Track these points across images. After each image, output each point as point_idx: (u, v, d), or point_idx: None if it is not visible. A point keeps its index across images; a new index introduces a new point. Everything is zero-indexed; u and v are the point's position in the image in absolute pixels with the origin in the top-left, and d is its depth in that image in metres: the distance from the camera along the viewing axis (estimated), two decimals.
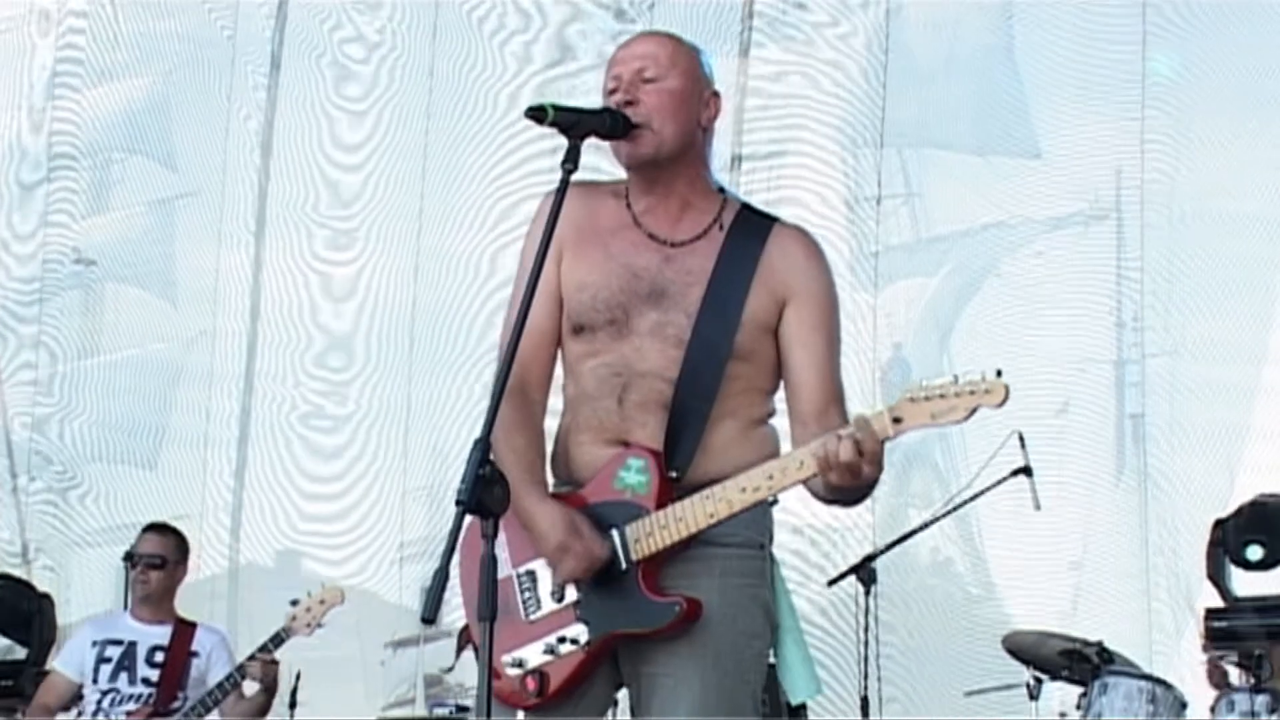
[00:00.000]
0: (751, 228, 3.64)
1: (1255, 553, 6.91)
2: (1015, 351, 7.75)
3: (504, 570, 3.44)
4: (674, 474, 3.50)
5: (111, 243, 10.33)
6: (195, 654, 6.70)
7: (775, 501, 3.63)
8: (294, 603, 6.43)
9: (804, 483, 3.45)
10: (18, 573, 9.65)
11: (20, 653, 8.20)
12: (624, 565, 3.49)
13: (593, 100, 3.69)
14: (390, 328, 9.63)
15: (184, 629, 6.76)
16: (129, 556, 6.86)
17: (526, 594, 3.56)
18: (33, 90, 10.49)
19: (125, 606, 6.88)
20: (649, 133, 3.57)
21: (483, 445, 3.14)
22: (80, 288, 10.31)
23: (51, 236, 10.34)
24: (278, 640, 6.40)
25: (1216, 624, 6.88)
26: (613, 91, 3.60)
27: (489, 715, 3.09)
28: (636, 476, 3.51)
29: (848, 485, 3.35)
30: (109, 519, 9.87)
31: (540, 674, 3.53)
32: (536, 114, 3.43)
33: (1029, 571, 7.97)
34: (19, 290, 10.34)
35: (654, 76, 3.59)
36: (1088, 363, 8.12)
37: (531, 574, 3.57)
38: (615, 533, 3.49)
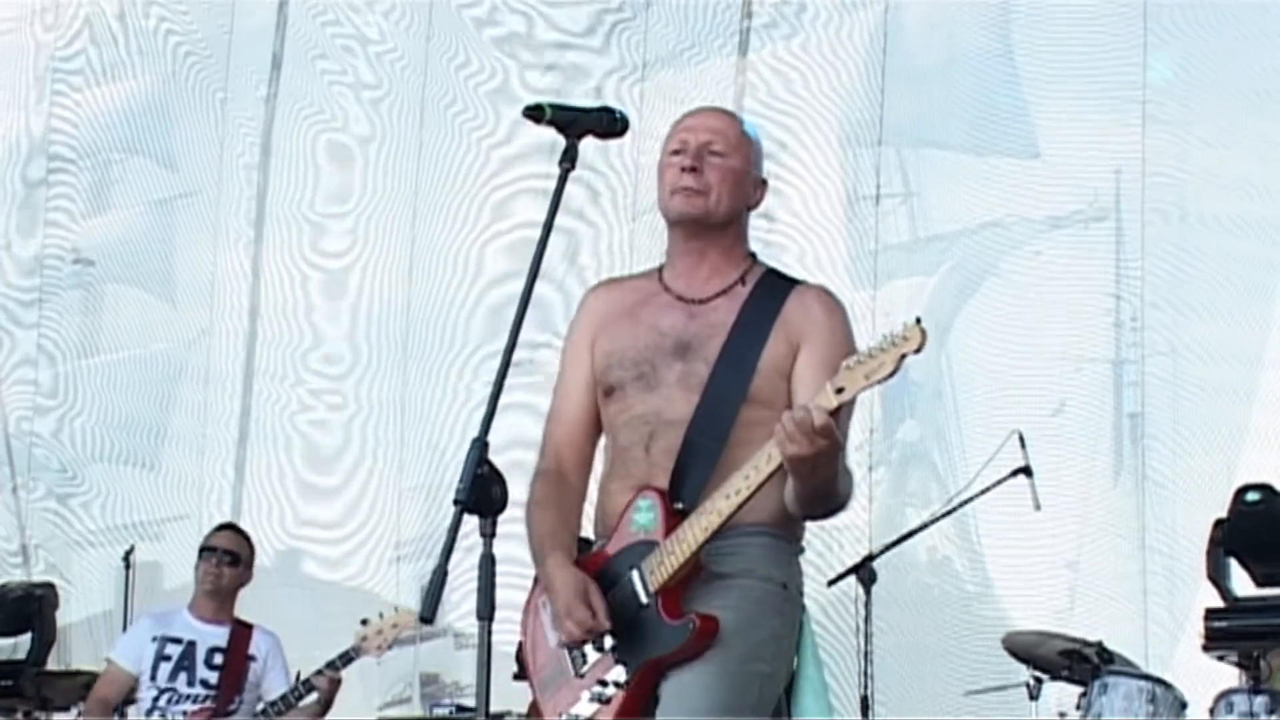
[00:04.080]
0: (775, 286, 3.78)
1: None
2: (1013, 351, 7.73)
3: (554, 639, 3.64)
4: (679, 505, 3.60)
5: (111, 243, 10.33)
6: (253, 657, 6.69)
7: (803, 550, 3.75)
8: (364, 622, 6.44)
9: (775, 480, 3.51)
10: (18, 573, 9.66)
11: (21, 653, 8.19)
12: (644, 600, 3.58)
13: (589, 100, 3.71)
14: (386, 326, 9.62)
15: (242, 631, 6.74)
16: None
17: (574, 653, 3.66)
18: (32, 90, 10.49)
19: (125, 608, 6.86)
20: (705, 198, 3.72)
21: (481, 445, 3.15)
22: (80, 288, 10.31)
23: (51, 237, 10.34)
24: (346, 659, 6.41)
25: (1216, 624, 6.86)
26: (678, 152, 3.75)
27: (488, 716, 3.10)
28: (646, 515, 3.62)
29: (807, 457, 3.39)
30: (109, 519, 9.86)
31: None
32: (534, 113, 3.50)
33: (1027, 571, 7.96)
34: (19, 290, 10.34)
35: (721, 151, 3.75)
36: (1086, 362, 8.10)
37: None
38: (635, 572, 3.60)
